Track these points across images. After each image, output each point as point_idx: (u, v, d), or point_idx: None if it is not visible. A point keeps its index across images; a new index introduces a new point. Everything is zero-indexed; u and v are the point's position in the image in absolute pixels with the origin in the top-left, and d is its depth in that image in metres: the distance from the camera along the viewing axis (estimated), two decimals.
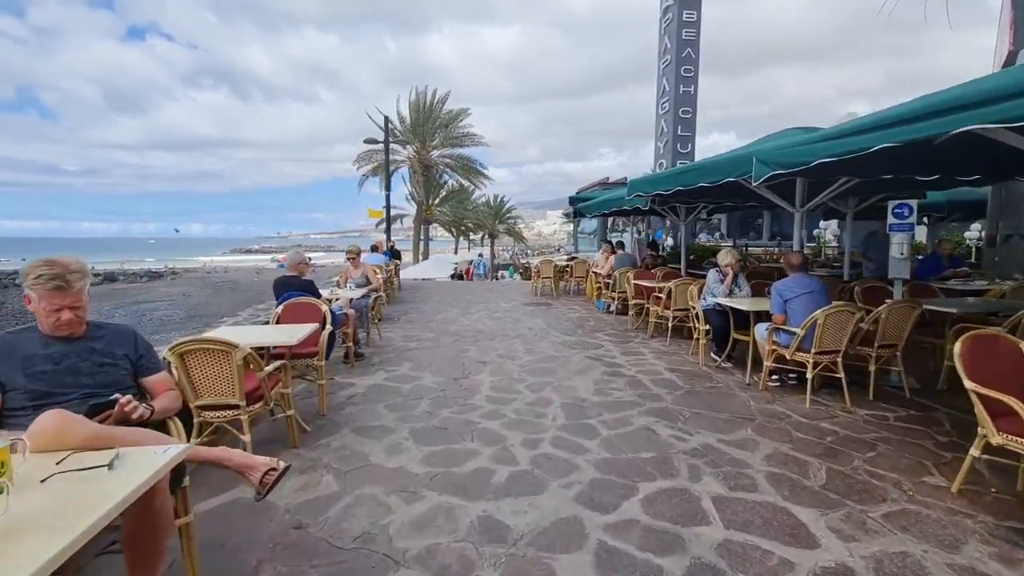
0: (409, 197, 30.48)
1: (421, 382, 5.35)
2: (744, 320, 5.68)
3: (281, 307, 4.86)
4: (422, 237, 31.31)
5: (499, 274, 35.82)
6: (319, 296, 5.46)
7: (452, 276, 23.53)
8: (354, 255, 7.69)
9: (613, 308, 9.71)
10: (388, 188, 16.40)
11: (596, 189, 18.65)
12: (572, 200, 12.18)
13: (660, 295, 7.32)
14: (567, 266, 12.96)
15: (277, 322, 4.78)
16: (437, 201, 33.48)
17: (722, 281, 5.94)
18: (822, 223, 14.57)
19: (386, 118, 16.37)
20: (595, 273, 11.12)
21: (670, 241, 15.07)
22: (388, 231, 16.39)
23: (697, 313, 6.13)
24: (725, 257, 6.00)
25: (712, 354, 6.05)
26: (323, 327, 4.74)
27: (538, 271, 12.83)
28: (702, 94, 16.82)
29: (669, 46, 17.23)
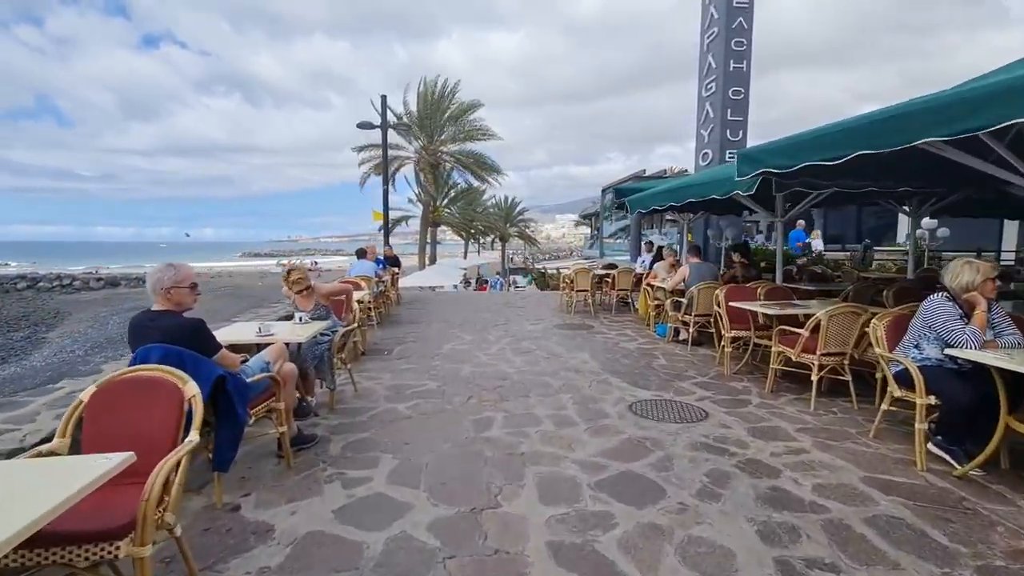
0: (415, 197, 27.87)
1: (405, 523, 2.69)
2: (1016, 389, 3.00)
3: (92, 390, 2.20)
4: (428, 240, 28.71)
5: (511, 279, 33.07)
6: (215, 348, 2.83)
7: (457, 285, 20.98)
8: (303, 287, 4.51)
9: (685, 336, 7.03)
10: (386, 181, 13.76)
11: (630, 184, 15.97)
12: (619, 192, 9.46)
13: (794, 331, 4.60)
14: (608, 275, 10.27)
15: (79, 430, 2.13)
16: (445, 201, 30.89)
17: (964, 317, 3.22)
18: (925, 221, 11.57)
19: (383, 97, 13.74)
20: (650, 286, 8.43)
21: (727, 242, 12.07)
22: (386, 233, 13.77)
23: (904, 371, 3.44)
24: (968, 272, 3.26)
25: (936, 447, 3.34)
26: (180, 436, 2.12)
27: (572, 282, 10.15)
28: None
29: (715, 16, 14.38)
